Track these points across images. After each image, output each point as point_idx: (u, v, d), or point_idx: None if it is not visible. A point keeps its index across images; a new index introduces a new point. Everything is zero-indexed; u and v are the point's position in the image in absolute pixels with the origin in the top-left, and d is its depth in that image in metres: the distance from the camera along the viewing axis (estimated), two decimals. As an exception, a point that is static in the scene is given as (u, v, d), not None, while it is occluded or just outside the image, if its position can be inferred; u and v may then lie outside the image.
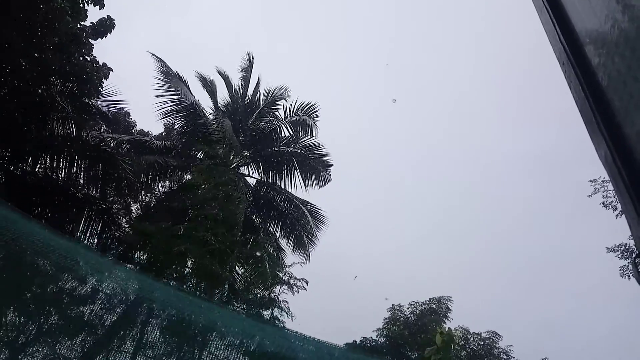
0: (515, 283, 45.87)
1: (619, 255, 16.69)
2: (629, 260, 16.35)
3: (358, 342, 27.65)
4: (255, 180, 21.83)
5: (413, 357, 26.47)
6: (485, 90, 55.80)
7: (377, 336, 27.97)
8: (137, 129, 20.80)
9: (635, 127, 1.30)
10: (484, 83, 56.33)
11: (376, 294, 37.35)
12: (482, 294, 42.16)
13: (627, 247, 16.30)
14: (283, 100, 22.27)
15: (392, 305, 28.97)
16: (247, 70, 22.52)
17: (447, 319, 27.69)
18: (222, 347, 12.58)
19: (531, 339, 35.18)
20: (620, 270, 16.81)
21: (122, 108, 19.91)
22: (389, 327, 27.95)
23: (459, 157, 53.84)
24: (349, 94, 55.82)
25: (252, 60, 22.57)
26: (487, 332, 27.31)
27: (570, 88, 1.68)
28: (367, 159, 53.01)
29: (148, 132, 20.92)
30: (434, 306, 28.01)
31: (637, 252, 1.37)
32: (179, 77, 20.56)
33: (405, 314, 28.50)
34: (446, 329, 11.21)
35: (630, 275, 16.18)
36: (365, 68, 58.16)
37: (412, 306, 28.62)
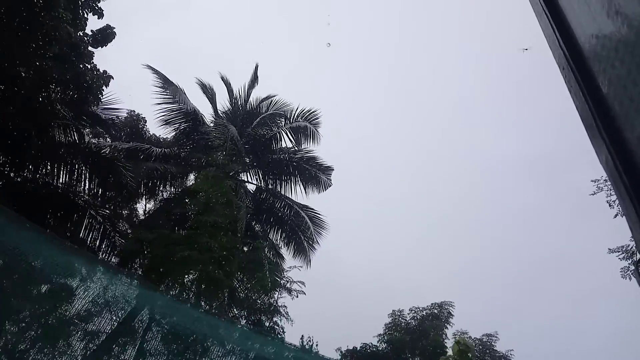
0: (515, 287, 45.82)
1: (620, 257, 16.73)
2: (630, 262, 16.41)
3: (358, 348, 27.52)
4: (255, 186, 21.83)
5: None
6: (484, 94, 55.96)
7: (377, 342, 27.85)
8: (150, 134, 20.75)
9: (636, 131, 1.31)
10: (482, 87, 56.49)
11: (376, 299, 37.29)
12: (482, 298, 42.12)
13: (629, 248, 16.34)
14: (284, 108, 22.32)
15: (393, 310, 28.87)
16: (252, 79, 22.59)
17: (449, 324, 27.63)
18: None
19: (531, 343, 35.11)
20: (621, 271, 16.83)
21: (136, 112, 20.03)
22: (389, 332, 27.86)
23: (459, 162, 53.95)
24: (348, 99, 55.98)
25: (257, 69, 22.72)
26: (484, 335, 27.26)
27: (570, 93, 1.68)
28: (367, 164, 53.10)
29: (160, 136, 20.87)
30: (435, 311, 27.92)
31: (638, 256, 1.37)
32: (177, 86, 20.61)
33: (406, 320, 28.40)
34: (464, 337, 11.10)
35: (632, 276, 16.29)
36: (365, 72, 58.33)
37: (413, 312, 28.52)
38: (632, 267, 16.25)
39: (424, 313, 28.00)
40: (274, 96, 22.48)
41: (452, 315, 27.93)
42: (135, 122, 20.15)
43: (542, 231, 49.02)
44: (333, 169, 22.19)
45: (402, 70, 57.34)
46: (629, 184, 1.33)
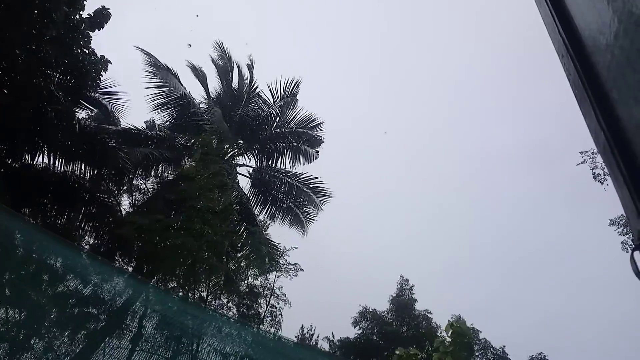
0: (513, 278, 46.01)
1: (620, 231, 16.80)
2: (627, 236, 16.60)
3: (352, 338, 27.80)
4: (251, 168, 21.98)
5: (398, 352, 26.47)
6: (480, 84, 55.83)
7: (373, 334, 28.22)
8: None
9: (634, 119, 1.30)
10: (479, 77, 56.30)
11: (368, 291, 37.23)
12: (479, 289, 42.29)
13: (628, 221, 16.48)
14: (267, 84, 22.37)
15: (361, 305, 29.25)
16: (250, 65, 22.65)
17: (414, 300, 28.40)
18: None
19: (529, 334, 35.35)
20: (622, 244, 16.82)
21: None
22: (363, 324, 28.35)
23: (454, 152, 53.85)
24: (339, 88, 55.53)
25: (252, 60, 22.73)
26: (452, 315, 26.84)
27: (569, 80, 1.67)
28: (360, 155, 52.86)
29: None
30: (403, 298, 28.42)
31: (635, 245, 1.37)
32: (168, 69, 20.56)
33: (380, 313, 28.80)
34: (458, 321, 10.92)
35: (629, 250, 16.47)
36: (356, 60, 57.86)
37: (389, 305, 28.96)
38: (630, 260, 16.50)
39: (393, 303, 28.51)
40: (251, 68, 22.60)
41: (413, 286, 28.65)
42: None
43: (539, 221, 49.14)
44: (323, 141, 22.51)
45: (395, 58, 56.76)
46: (627, 172, 1.32)
